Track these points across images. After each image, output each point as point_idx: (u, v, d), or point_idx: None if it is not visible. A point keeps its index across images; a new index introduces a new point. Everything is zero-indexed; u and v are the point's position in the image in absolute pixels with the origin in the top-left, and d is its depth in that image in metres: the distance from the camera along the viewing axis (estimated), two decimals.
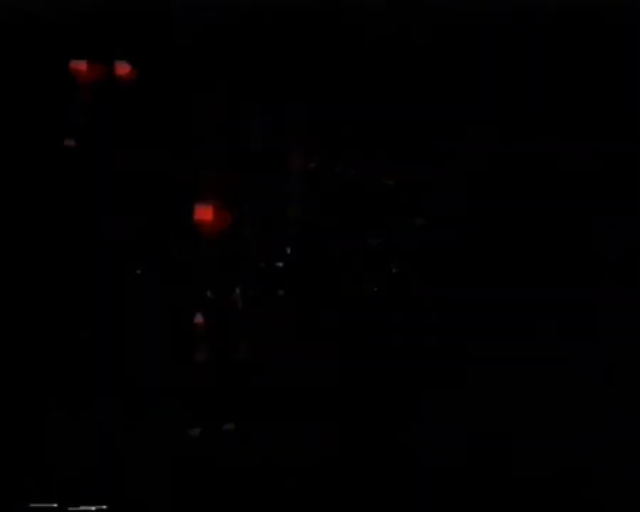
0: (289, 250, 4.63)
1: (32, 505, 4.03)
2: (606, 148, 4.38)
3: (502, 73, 4.46)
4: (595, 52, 4.37)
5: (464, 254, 4.50)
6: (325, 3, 4.40)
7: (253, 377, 4.48)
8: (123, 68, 4.50)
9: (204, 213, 4.52)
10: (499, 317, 4.38)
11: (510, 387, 4.31)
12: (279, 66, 4.57)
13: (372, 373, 4.44)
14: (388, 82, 4.56)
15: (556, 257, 4.42)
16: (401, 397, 4.40)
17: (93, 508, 4.01)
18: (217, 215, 4.54)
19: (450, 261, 4.52)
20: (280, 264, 4.62)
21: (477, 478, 4.21)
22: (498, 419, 4.29)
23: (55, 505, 4.03)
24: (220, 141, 4.62)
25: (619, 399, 4.26)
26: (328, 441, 4.38)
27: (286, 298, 4.59)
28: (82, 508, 4.01)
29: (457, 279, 4.49)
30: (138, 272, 4.47)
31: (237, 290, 4.58)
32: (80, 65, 4.47)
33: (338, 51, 4.52)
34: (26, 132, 4.45)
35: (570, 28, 4.34)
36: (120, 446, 4.25)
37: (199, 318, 4.52)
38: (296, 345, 4.55)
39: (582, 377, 4.28)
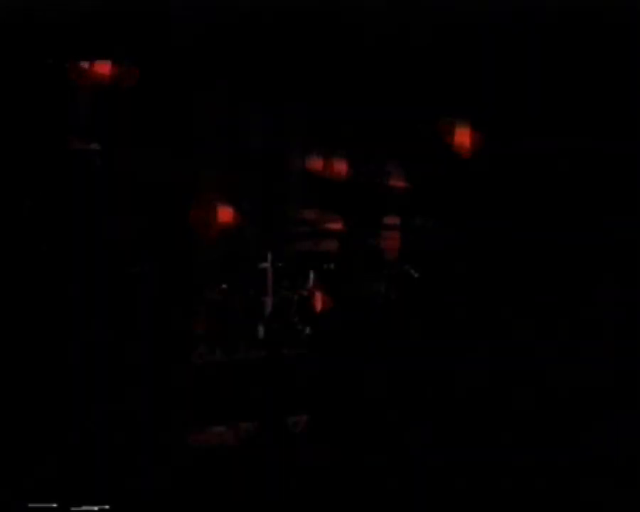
0: (288, 250, 4.64)
1: (32, 505, 4.03)
2: (606, 148, 4.38)
3: (502, 73, 4.46)
4: (595, 52, 4.38)
5: (464, 254, 4.50)
6: (325, 3, 4.40)
7: (254, 376, 4.48)
8: (123, 68, 4.50)
9: (205, 213, 4.52)
10: (499, 317, 4.39)
11: (510, 387, 4.31)
12: (278, 66, 4.57)
13: (372, 373, 4.44)
14: (388, 82, 4.56)
15: (556, 256, 4.43)
16: (401, 397, 4.40)
17: (95, 508, 4.01)
18: (218, 215, 4.54)
19: (450, 261, 4.52)
20: (280, 265, 4.62)
21: (477, 479, 4.22)
22: (498, 419, 4.29)
23: (55, 505, 4.03)
24: (220, 141, 4.63)
25: (619, 399, 4.27)
26: (328, 440, 4.39)
27: (287, 298, 4.59)
28: (83, 508, 4.01)
29: (457, 279, 4.50)
30: (138, 271, 4.47)
31: (237, 290, 4.59)
32: (81, 65, 4.47)
33: (338, 51, 4.52)
34: (26, 132, 4.45)
35: (570, 28, 4.35)
36: (120, 446, 4.25)
37: (199, 318, 4.53)
38: (295, 344, 4.56)
39: (581, 377, 4.29)
